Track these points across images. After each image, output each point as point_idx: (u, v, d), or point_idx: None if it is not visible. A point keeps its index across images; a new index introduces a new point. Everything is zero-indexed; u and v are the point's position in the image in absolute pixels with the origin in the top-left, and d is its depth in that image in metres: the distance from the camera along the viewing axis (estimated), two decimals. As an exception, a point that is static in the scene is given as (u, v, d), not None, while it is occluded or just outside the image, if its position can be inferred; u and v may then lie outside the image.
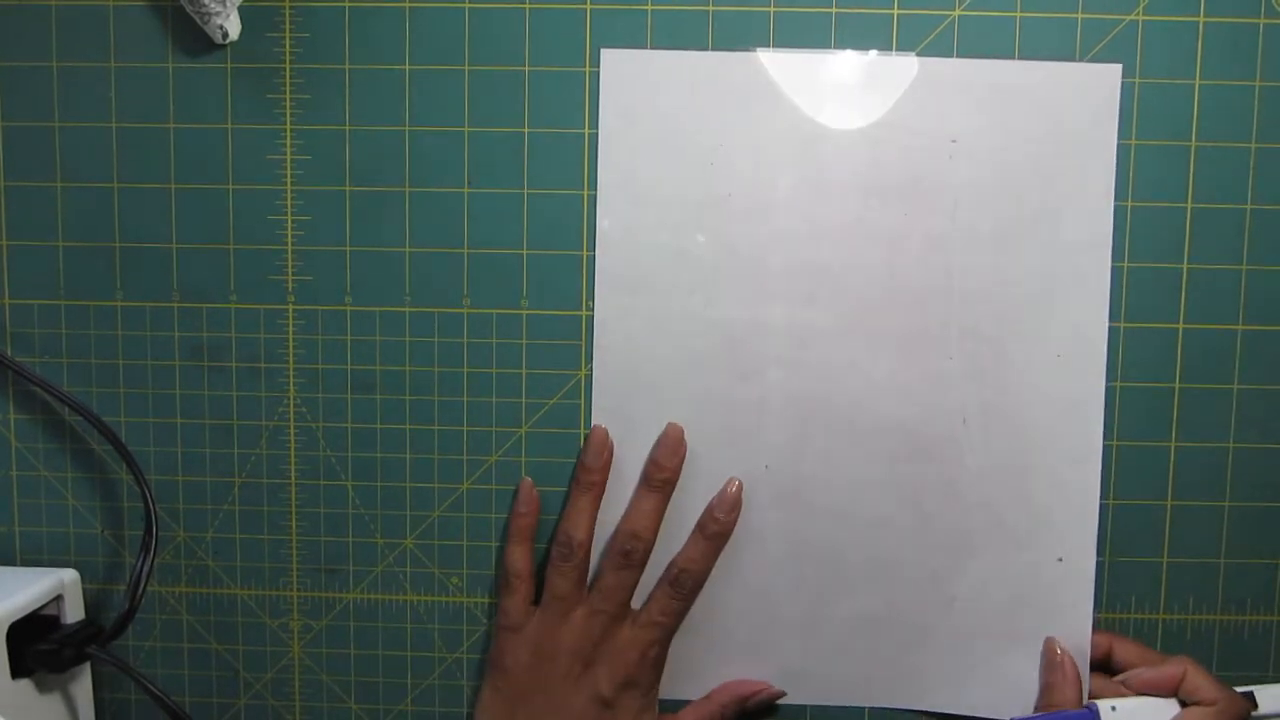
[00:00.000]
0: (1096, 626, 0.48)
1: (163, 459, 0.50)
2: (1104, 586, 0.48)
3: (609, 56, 0.47)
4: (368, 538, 0.50)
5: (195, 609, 0.50)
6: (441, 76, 0.47)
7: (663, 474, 0.47)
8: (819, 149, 0.47)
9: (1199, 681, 0.44)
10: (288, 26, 0.47)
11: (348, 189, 0.48)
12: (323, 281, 0.48)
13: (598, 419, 0.48)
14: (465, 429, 0.49)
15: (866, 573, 0.48)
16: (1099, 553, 0.48)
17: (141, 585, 0.45)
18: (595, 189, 0.47)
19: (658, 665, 0.47)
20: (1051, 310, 0.47)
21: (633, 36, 0.47)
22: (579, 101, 0.47)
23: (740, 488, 0.47)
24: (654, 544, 0.47)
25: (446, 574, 0.50)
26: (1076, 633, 0.48)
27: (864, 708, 0.49)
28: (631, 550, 0.46)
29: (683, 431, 0.47)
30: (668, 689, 0.49)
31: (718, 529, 0.47)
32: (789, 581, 0.49)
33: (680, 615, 0.47)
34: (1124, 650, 0.47)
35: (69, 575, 0.48)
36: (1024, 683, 0.49)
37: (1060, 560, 0.48)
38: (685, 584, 0.47)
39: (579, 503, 0.47)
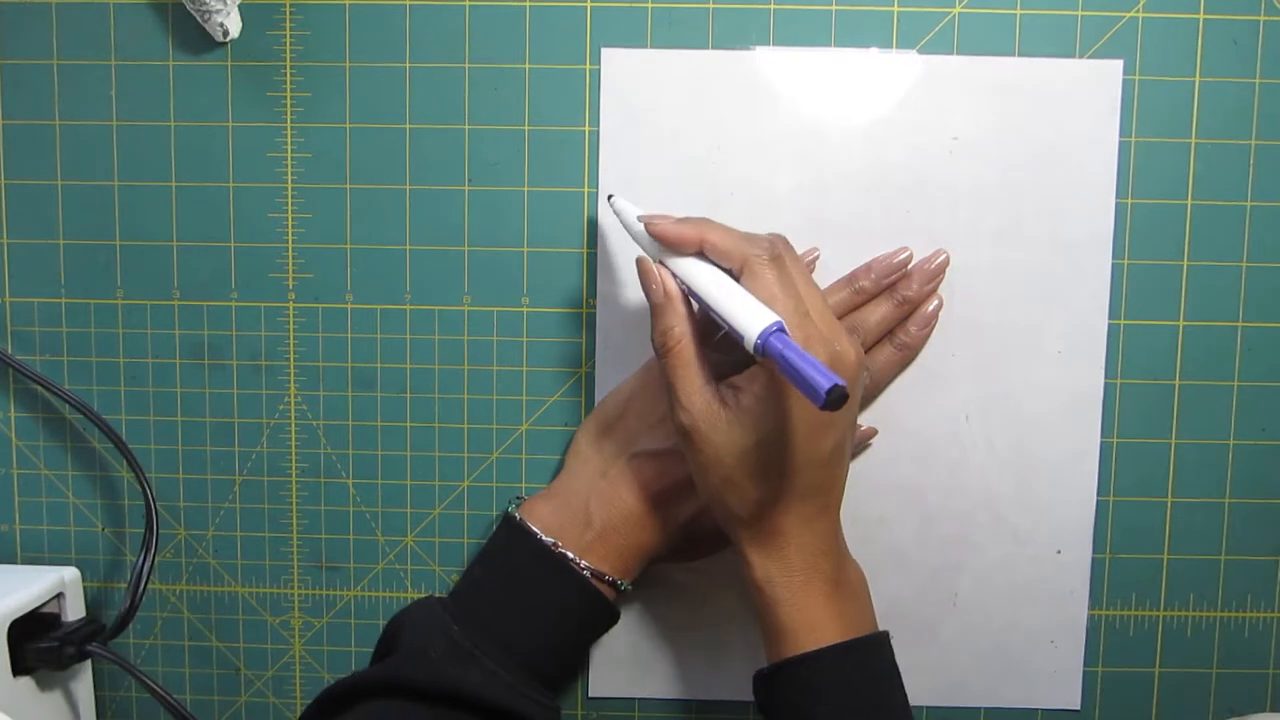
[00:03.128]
0: (1097, 622, 0.48)
1: (163, 457, 0.50)
2: (1105, 583, 0.49)
3: (609, 55, 0.47)
4: (368, 535, 0.50)
5: (196, 607, 0.50)
6: (442, 74, 0.47)
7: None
8: (819, 147, 0.47)
9: (717, 240, 0.39)
10: (288, 24, 0.47)
11: (348, 186, 0.48)
12: (323, 279, 0.48)
13: (598, 416, 0.48)
14: (466, 426, 0.49)
15: (869, 569, 0.48)
16: (1100, 549, 0.48)
17: (142, 583, 0.45)
18: (596, 187, 0.47)
19: None
20: (1052, 307, 0.47)
21: (633, 35, 0.47)
22: (579, 100, 0.47)
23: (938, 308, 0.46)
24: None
25: (448, 571, 0.50)
26: (1074, 623, 0.48)
27: (865, 705, 0.49)
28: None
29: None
30: (667, 689, 0.49)
31: (910, 340, 0.46)
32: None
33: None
34: (714, 237, 0.40)
35: (70, 573, 0.48)
36: (1025, 672, 0.49)
37: (1059, 553, 0.48)
38: (864, 380, 0.43)
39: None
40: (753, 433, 0.38)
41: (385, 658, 0.42)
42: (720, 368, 0.41)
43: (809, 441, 0.38)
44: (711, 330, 0.42)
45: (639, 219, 0.42)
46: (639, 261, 0.42)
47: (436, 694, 0.40)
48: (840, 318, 0.45)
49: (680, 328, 0.40)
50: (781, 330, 0.36)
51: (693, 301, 0.41)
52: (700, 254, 0.40)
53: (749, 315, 0.36)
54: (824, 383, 0.32)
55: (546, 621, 0.43)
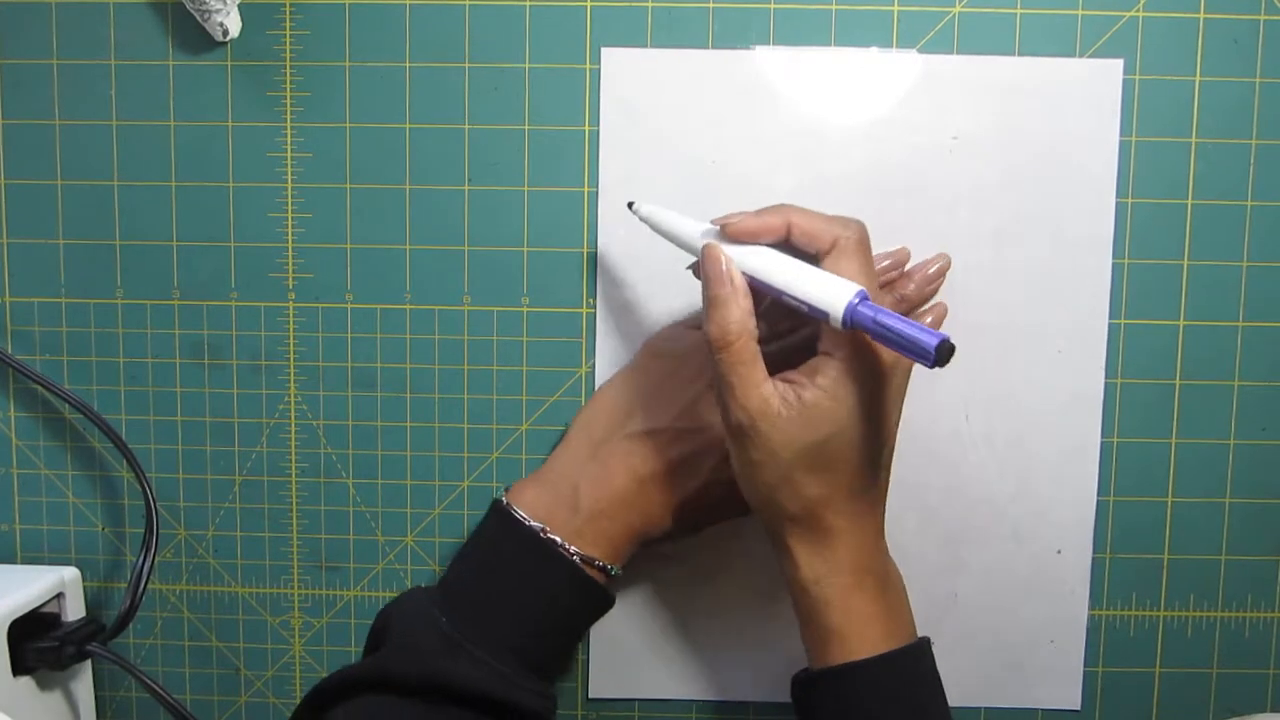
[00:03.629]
0: (1097, 622, 0.48)
1: (163, 456, 0.50)
2: (1105, 583, 0.49)
3: (609, 54, 0.47)
4: (369, 535, 0.50)
5: (196, 606, 0.50)
6: (442, 74, 0.47)
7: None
8: (819, 146, 0.47)
9: (803, 223, 0.39)
10: (288, 24, 0.47)
11: (348, 186, 0.48)
12: (323, 279, 0.48)
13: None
14: (466, 426, 0.49)
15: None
16: (1100, 549, 0.48)
17: (142, 583, 0.45)
18: (596, 186, 0.47)
19: None
20: (1052, 306, 0.47)
21: (633, 34, 0.47)
22: (579, 99, 0.47)
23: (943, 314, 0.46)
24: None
25: (447, 571, 0.50)
26: (1074, 623, 0.48)
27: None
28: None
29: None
30: (666, 689, 0.49)
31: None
32: (790, 578, 0.49)
33: None
34: (802, 221, 0.39)
35: (70, 573, 0.48)
36: (1025, 672, 0.49)
37: (1059, 553, 0.48)
38: None
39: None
40: (815, 429, 0.37)
41: (375, 651, 0.42)
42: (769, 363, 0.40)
43: (873, 434, 0.38)
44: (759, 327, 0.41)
45: (715, 222, 0.40)
46: (706, 249, 0.39)
47: (426, 687, 0.40)
48: None
49: (743, 322, 0.38)
50: (868, 300, 0.35)
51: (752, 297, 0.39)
52: (778, 244, 0.39)
53: (833, 288, 0.35)
54: (932, 339, 0.31)
55: (536, 609, 0.42)
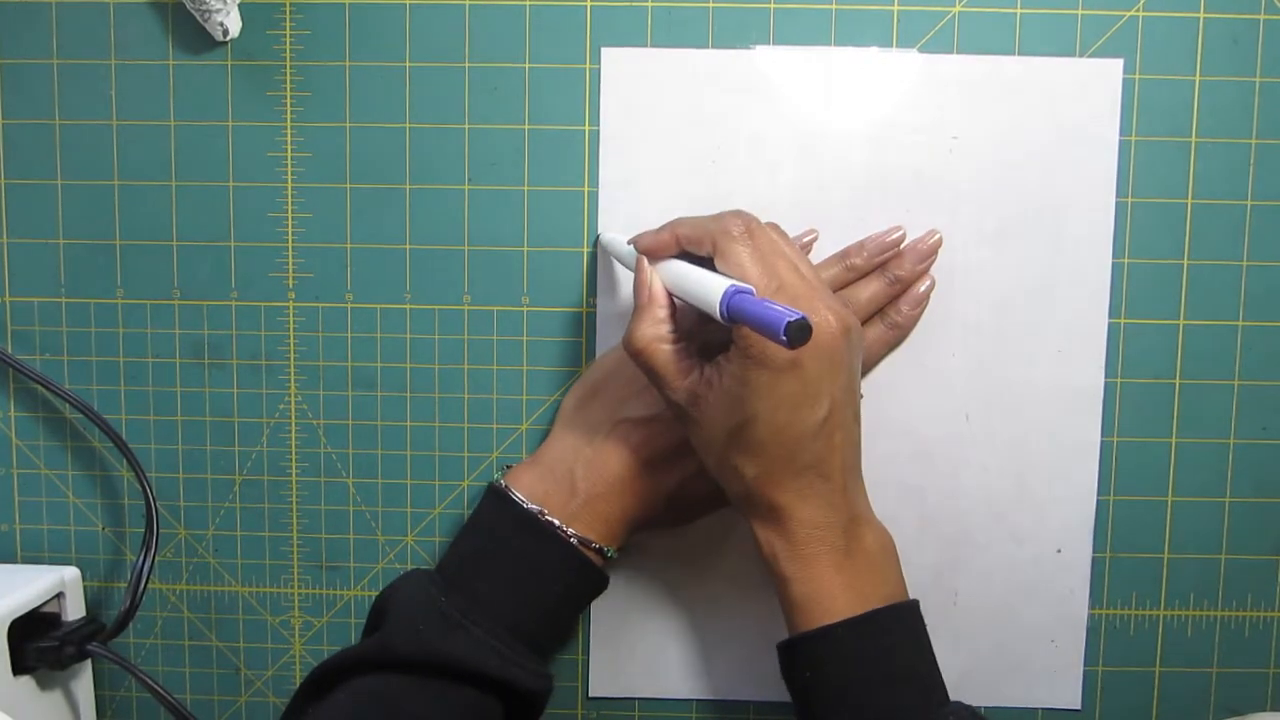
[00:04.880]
0: (1097, 621, 0.49)
1: (163, 456, 0.50)
2: (1105, 582, 0.49)
3: (609, 54, 0.47)
4: (369, 535, 0.50)
5: (196, 606, 0.50)
6: (442, 73, 0.47)
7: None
8: (819, 146, 0.47)
9: (686, 231, 0.41)
10: (288, 24, 0.47)
11: (348, 186, 0.48)
12: (323, 278, 0.48)
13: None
14: (466, 426, 0.49)
15: (867, 569, 0.48)
16: (1100, 548, 0.48)
17: (142, 582, 0.45)
18: (596, 186, 0.47)
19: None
20: (1052, 306, 0.47)
21: (633, 34, 0.47)
22: (580, 99, 0.47)
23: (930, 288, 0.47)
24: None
25: (447, 571, 0.50)
26: (1075, 623, 0.48)
27: (865, 704, 0.49)
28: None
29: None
30: (666, 689, 0.49)
31: (901, 320, 0.46)
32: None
33: None
34: (684, 230, 0.42)
35: (70, 573, 0.48)
36: (1025, 672, 0.49)
37: (1059, 552, 0.48)
38: None
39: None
40: (736, 411, 0.39)
41: (374, 631, 0.42)
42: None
43: (795, 414, 0.38)
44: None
45: (628, 242, 0.43)
46: (636, 261, 0.42)
47: (426, 665, 0.40)
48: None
49: (651, 331, 0.40)
50: (741, 292, 0.36)
51: (677, 303, 0.41)
52: (684, 254, 0.41)
53: (709, 288, 0.37)
54: (782, 316, 0.32)
55: (535, 589, 0.43)
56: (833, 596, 0.40)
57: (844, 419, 0.40)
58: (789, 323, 0.31)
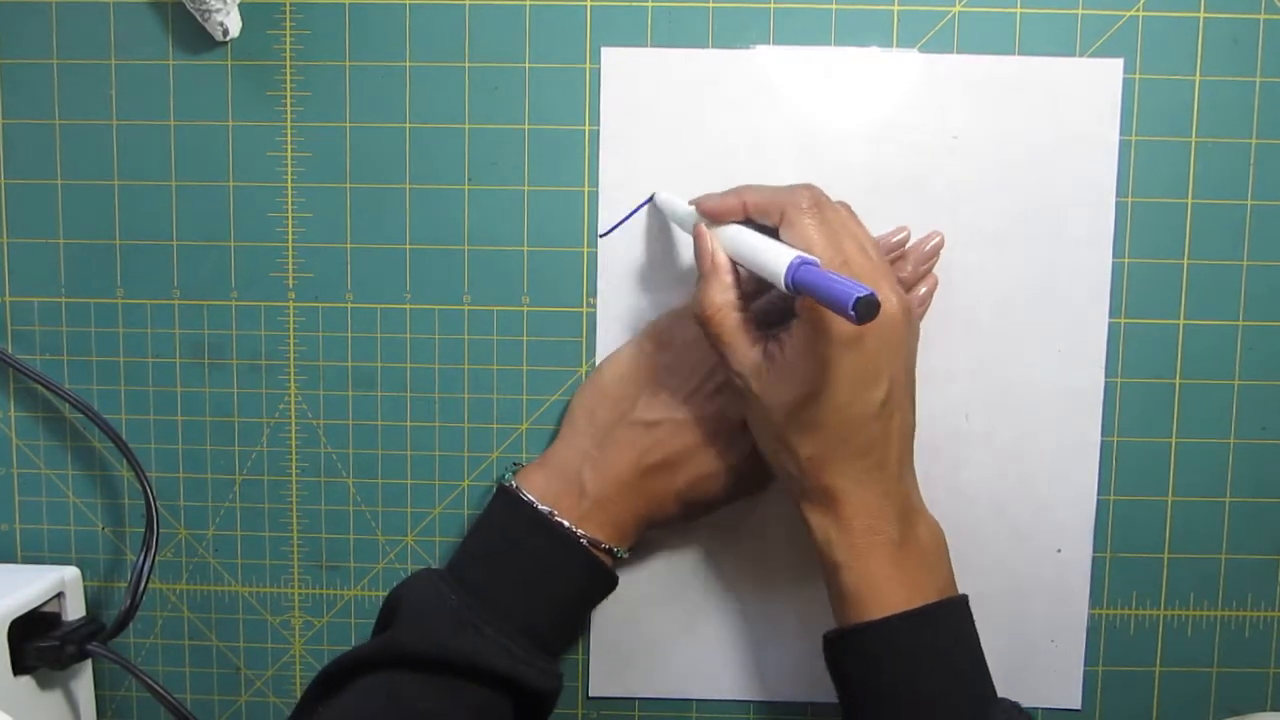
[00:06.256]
0: (1097, 621, 0.49)
1: (164, 456, 0.50)
2: (1105, 582, 0.49)
3: (609, 54, 0.47)
4: (369, 535, 0.50)
5: (196, 606, 0.50)
6: (442, 73, 0.47)
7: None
8: (819, 146, 0.47)
9: (755, 198, 0.40)
10: (288, 23, 0.47)
11: (348, 186, 0.48)
12: (323, 278, 0.48)
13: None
14: (466, 426, 0.49)
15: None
16: (1100, 548, 0.48)
17: (143, 582, 0.45)
18: (596, 186, 0.47)
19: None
20: (1052, 306, 0.47)
21: (633, 34, 0.47)
22: (580, 99, 0.47)
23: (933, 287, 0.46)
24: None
25: (447, 571, 0.50)
26: (1075, 622, 0.48)
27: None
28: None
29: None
30: (667, 689, 0.49)
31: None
32: (791, 579, 0.49)
33: None
34: (752, 197, 0.41)
35: (70, 572, 0.48)
36: (1025, 672, 0.49)
37: (1059, 551, 0.48)
38: None
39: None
40: (797, 386, 0.38)
41: (385, 630, 0.42)
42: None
43: (855, 393, 0.38)
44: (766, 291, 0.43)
45: (690, 202, 0.43)
46: (695, 229, 0.42)
47: (437, 664, 0.40)
48: None
49: (722, 297, 0.40)
50: (807, 263, 0.35)
51: (740, 271, 0.41)
52: (747, 220, 0.41)
53: (776, 257, 0.36)
54: (851, 291, 0.31)
55: (546, 589, 0.43)
56: (886, 588, 0.39)
57: (901, 402, 0.40)
58: (858, 298, 0.31)
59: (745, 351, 0.40)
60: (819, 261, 0.36)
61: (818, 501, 0.40)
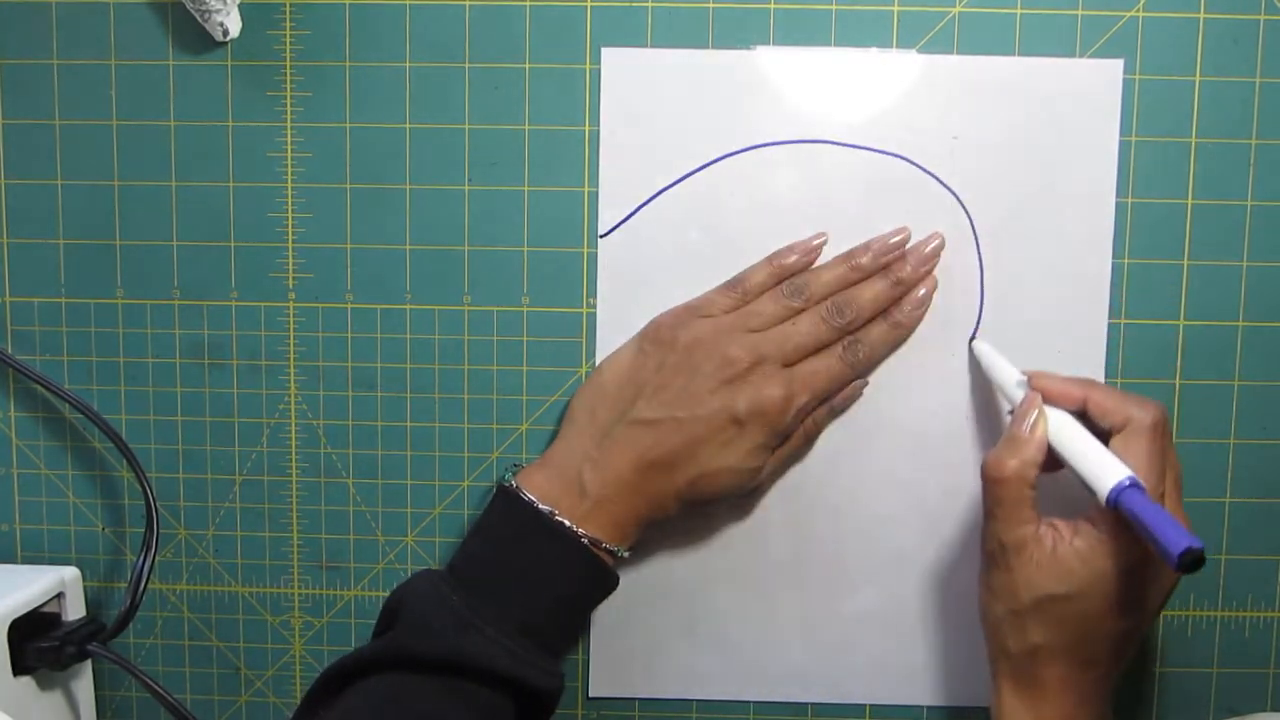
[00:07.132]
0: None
1: (164, 456, 0.50)
2: (1105, 583, 0.48)
3: (609, 54, 0.47)
4: (369, 535, 0.50)
5: (196, 606, 0.50)
6: (442, 73, 0.47)
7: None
8: (819, 146, 0.47)
9: (1101, 399, 0.41)
10: (288, 24, 0.47)
11: (348, 186, 0.48)
12: (323, 278, 0.48)
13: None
14: (466, 426, 0.49)
15: (870, 570, 0.48)
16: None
17: (143, 582, 0.45)
18: (596, 186, 0.47)
19: (798, 418, 0.45)
20: (1052, 306, 0.47)
21: (633, 34, 0.47)
22: (580, 99, 0.47)
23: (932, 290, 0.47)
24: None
25: (447, 571, 0.50)
26: None
27: (865, 704, 0.49)
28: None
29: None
30: (667, 689, 0.49)
31: (903, 320, 0.46)
32: (792, 579, 0.49)
33: (832, 381, 0.45)
34: (1098, 396, 0.42)
35: (70, 573, 0.48)
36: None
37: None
38: (857, 353, 0.45)
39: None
40: (1061, 584, 0.39)
41: (387, 631, 0.43)
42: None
43: (1116, 616, 0.39)
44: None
45: (1024, 373, 0.44)
46: (1029, 398, 0.42)
47: (439, 664, 0.40)
48: (835, 293, 0.45)
49: (1021, 469, 0.40)
50: (1137, 486, 0.37)
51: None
52: (1078, 413, 0.42)
53: (1106, 469, 0.38)
54: (1181, 541, 0.32)
55: (547, 589, 0.43)
56: None
57: (1144, 633, 0.41)
58: (1189, 548, 0.32)
59: (1019, 526, 0.40)
60: (1146, 487, 0.37)
61: (1024, 686, 0.41)
